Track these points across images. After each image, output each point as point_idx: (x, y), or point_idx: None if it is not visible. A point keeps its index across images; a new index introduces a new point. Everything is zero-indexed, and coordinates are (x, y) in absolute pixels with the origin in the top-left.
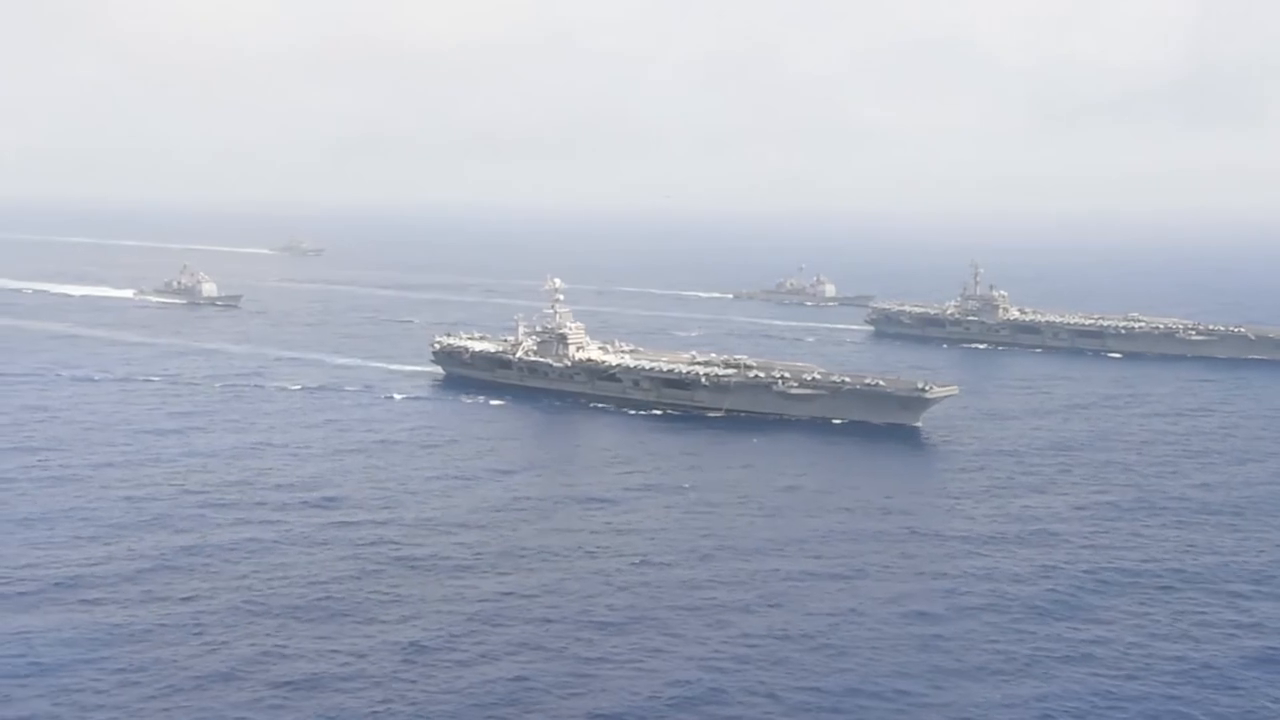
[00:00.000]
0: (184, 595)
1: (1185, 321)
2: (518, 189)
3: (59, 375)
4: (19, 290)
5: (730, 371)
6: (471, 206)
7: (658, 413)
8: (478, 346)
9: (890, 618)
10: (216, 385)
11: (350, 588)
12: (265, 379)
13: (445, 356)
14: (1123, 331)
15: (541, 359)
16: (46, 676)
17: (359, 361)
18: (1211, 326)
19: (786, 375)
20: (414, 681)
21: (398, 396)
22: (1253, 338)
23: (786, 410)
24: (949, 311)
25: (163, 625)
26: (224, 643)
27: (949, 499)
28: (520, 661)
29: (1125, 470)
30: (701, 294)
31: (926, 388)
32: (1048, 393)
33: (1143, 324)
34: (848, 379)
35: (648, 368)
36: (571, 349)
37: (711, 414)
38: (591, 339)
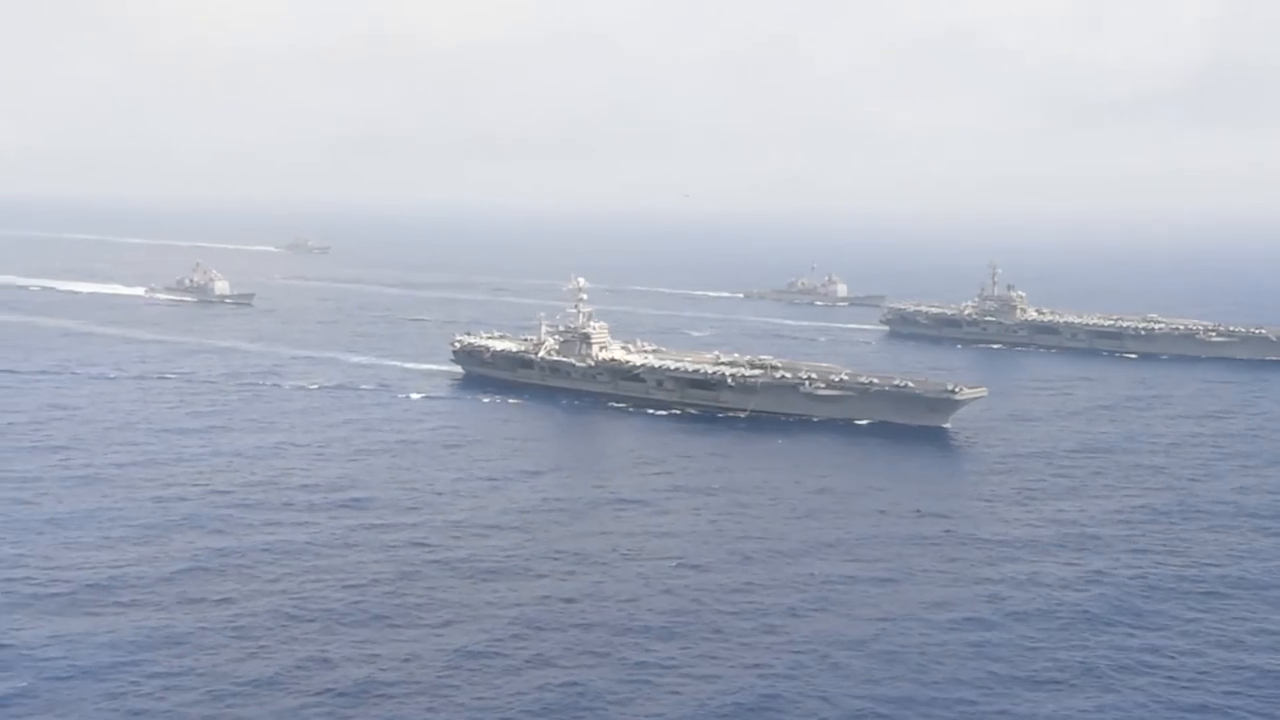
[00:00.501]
0: (220, 597)
1: (1205, 323)
2: (518, 189)
3: (75, 373)
4: (25, 287)
5: (756, 372)
6: (472, 206)
7: (679, 413)
8: (499, 346)
9: (938, 623)
10: (233, 384)
11: (388, 591)
12: (282, 377)
13: (465, 356)
14: (1142, 332)
15: (564, 359)
16: (89, 681)
17: (375, 360)
18: (1232, 328)
19: (813, 376)
20: (463, 688)
21: (417, 395)
22: (1273, 339)
23: (812, 411)
24: (966, 312)
25: (202, 629)
26: (264, 647)
27: (983, 501)
28: (568, 667)
29: (1157, 473)
30: (711, 293)
31: (956, 389)
32: (1069, 394)
33: (1162, 325)
34: (875, 380)
35: (672, 368)
36: (595, 349)
37: (736, 414)
38: (612, 339)
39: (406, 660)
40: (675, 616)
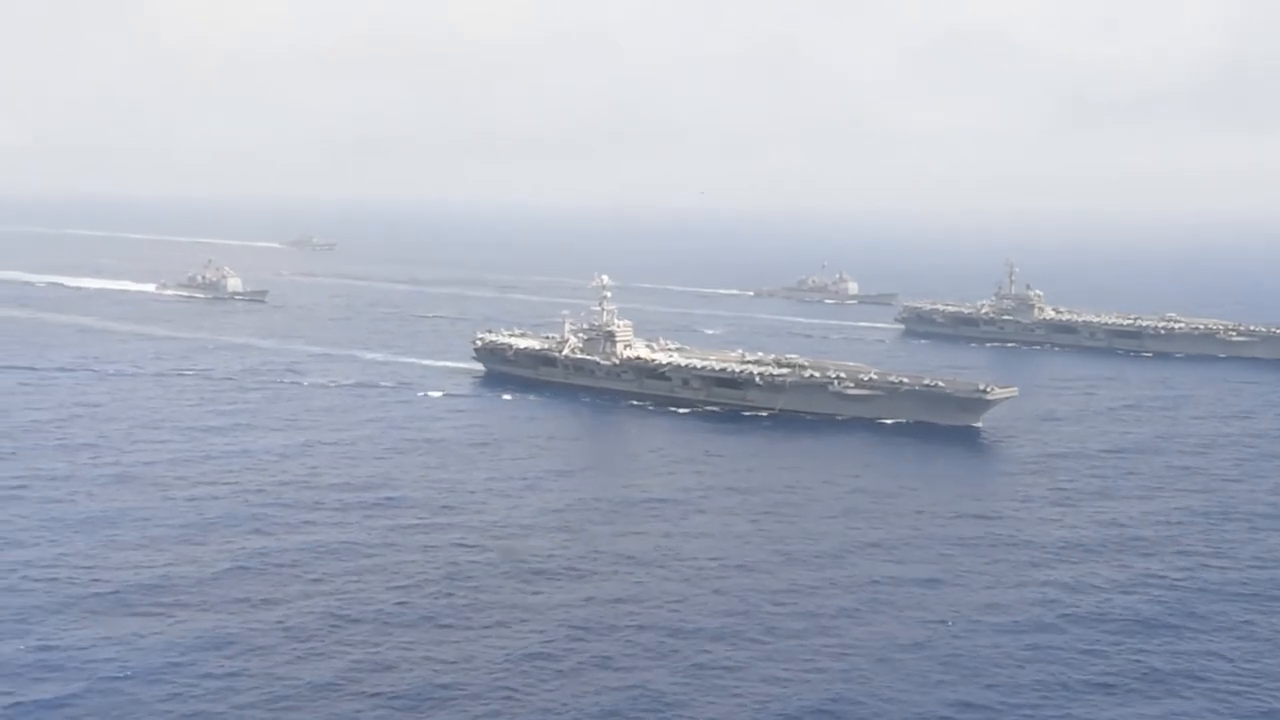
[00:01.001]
0: (264, 598)
1: (1225, 322)
2: (519, 187)
3: (93, 370)
4: (30, 283)
5: (784, 371)
6: (476, 204)
7: (703, 411)
8: (522, 344)
9: (991, 626)
10: (253, 381)
11: (434, 592)
12: (301, 375)
13: (487, 353)
14: (1161, 332)
15: (588, 356)
16: (142, 683)
17: (392, 357)
18: (1252, 327)
19: (842, 375)
20: (524, 690)
21: (438, 393)
22: None
23: (841, 411)
24: (983, 311)
25: (251, 630)
26: (316, 649)
27: (1021, 502)
28: (628, 669)
29: (1191, 474)
30: (721, 291)
31: (988, 389)
32: (1092, 393)
33: (1181, 324)
34: (905, 379)
35: (699, 366)
36: (619, 347)
37: (762, 414)
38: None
39: (463, 662)
40: (726, 617)
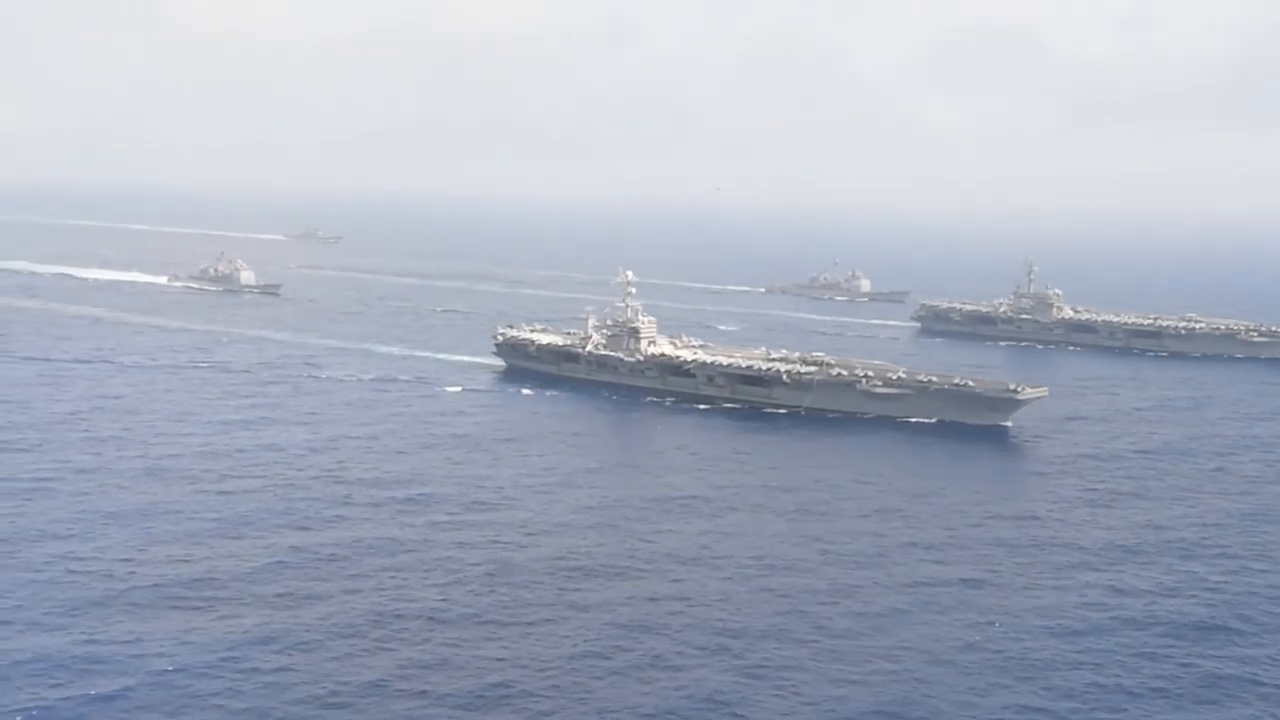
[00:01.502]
0: (305, 594)
1: (1245, 322)
2: (529, 182)
3: (110, 361)
4: (35, 273)
5: (812, 369)
6: (481, 198)
7: (728, 409)
8: (544, 339)
9: (1037, 629)
10: (272, 374)
11: (476, 591)
12: (318, 368)
13: (508, 349)
14: (1182, 332)
15: (611, 353)
16: (190, 679)
17: (408, 351)
18: (1274, 328)
19: (870, 374)
20: (577, 690)
21: (460, 388)
22: None
23: (869, 409)
24: (1001, 310)
25: (296, 627)
26: (364, 647)
27: (1056, 503)
28: (679, 669)
29: (1226, 476)
30: (732, 287)
31: (1018, 388)
32: (1116, 393)
33: (1202, 324)
34: (934, 378)
35: (725, 364)
36: (643, 343)
37: (789, 411)
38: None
39: (513, 661)
40: (774, 617)
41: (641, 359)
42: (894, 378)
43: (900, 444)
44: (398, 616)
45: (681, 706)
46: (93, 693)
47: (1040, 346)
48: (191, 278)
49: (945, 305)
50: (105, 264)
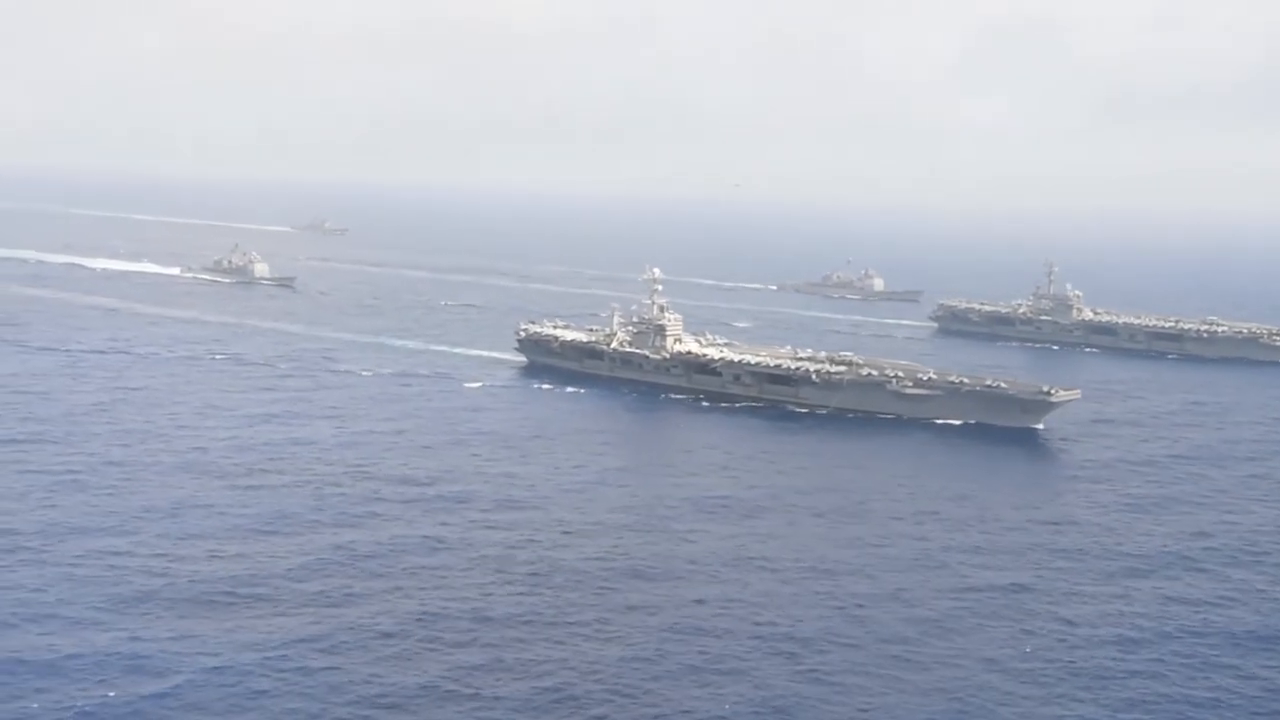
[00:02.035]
0: (346, 593)
1: (1269, 326)
2: (538, 176)
3: (128, 353)
4: (44, 262)
5: (841, 369)
6: (489, 191)
7: (754, 408)
8: (568, 336)
9: (1091, 640)
10: (292, 368)
11: (519, 591)
12: (338, 362)
13: (531, 345)
14: (1204, 335)
15: (637, 350)
16: (235, 678)
17: (424, 345)
18: None
19: (900, 374)
20: (633, 693)
21: (483, 384)
22: None
23: (898, 410)
24: (1021, 310)
25: (341, 626)
26: (410, 649)
27: (1093, 508)
28: (739, 673)
29: (1265, 481)
30: (744, 285)
31: (1051, 391)
32: (1141, 396)
33: (1224, 328)
34: (966, 379)
35: (752, 363)
36: (669, 341)
37: (816, 411)
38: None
39: (564, 664)
40: (825, 620)
41: (667, 356)
42: (924, 378)
43: (932, 445)
44: (442, 616)
45: (738, 713)
46: (143, 692)
47: (1059, 348)
48: (205, 269)
49: (963, 306)
50: (115, 254)
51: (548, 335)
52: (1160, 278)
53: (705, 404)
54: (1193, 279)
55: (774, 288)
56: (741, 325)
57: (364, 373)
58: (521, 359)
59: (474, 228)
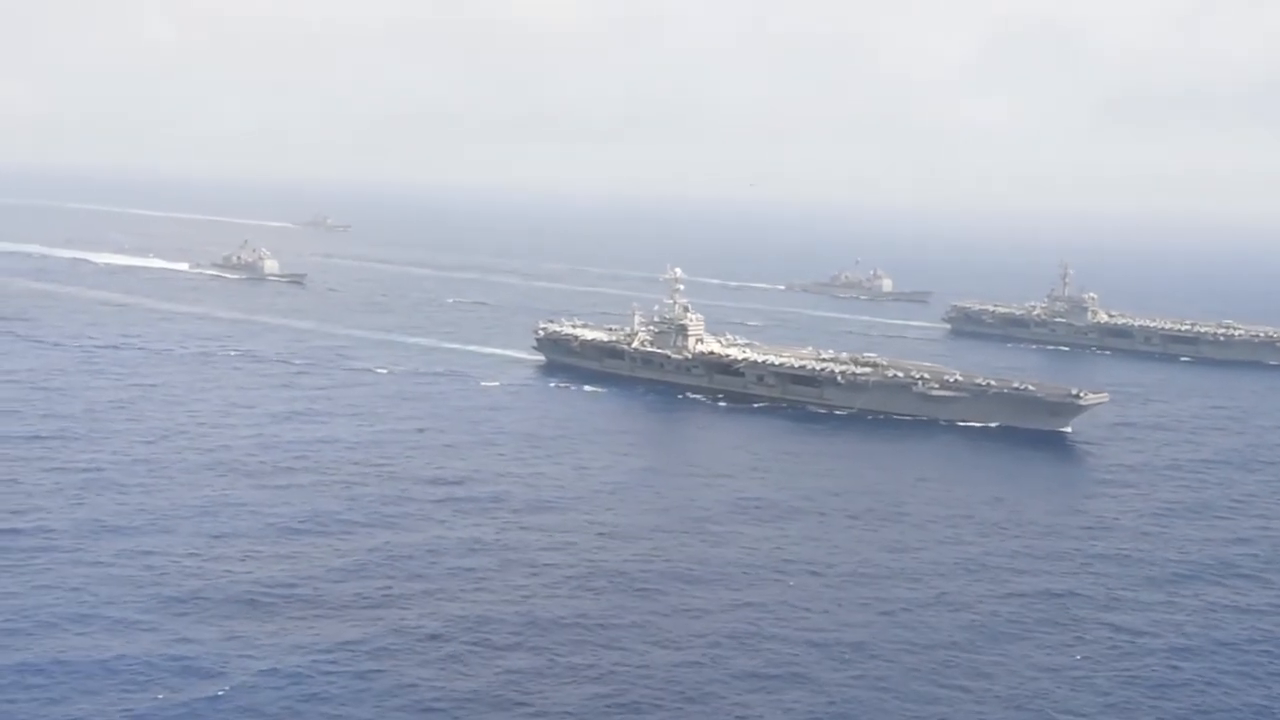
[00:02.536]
0: (388, 597)
1: None
2: (540, 175)
3: (142, 349)
4: (48, 257)
5: (866, 370)
6: (485, 189)
7: (777, 409)
8: (589, 335)
9: (1149, 648)
10: (308, 365)
11: (563, 595)
12: (355, 360)
13: (550, 344)
14: (1220, 338)
15: (658, 350)
16: (283, 682)
17: (437, 343)
18: None
19: (926, 376)
20: (694, 701)
21: (502, 383)
22: None
23: (924, 412)
24: (1035, 313)
25: (386, 631)
26: (457, 654)
27: (1126, 513)
28: (808, 680)
29: None
30: (752, 284)
31: (1080, 393)
32: (1162, 400)
33: (1240, 331)
34: (993, 382)
35: (776, 363)
36: (691, 341)
37: (834, 412)
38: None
39: (618, 670)
40: (876, 627)
41: (689, 357)
42: (950, 380)
43: (960, 448)
44: (487, 619)
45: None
46: (193, 695)
47: (1073, 350)
48: (214, 265)
49: (977, 307)
50: (119, 249)
51: (567, 335)
52: (1163, 279)
53: (724, 404)
54: (1197, 281)
55: (782, 287)
56: (752, 324)
57: (380, 370)
58: (538, 358)
59: (476, 225)
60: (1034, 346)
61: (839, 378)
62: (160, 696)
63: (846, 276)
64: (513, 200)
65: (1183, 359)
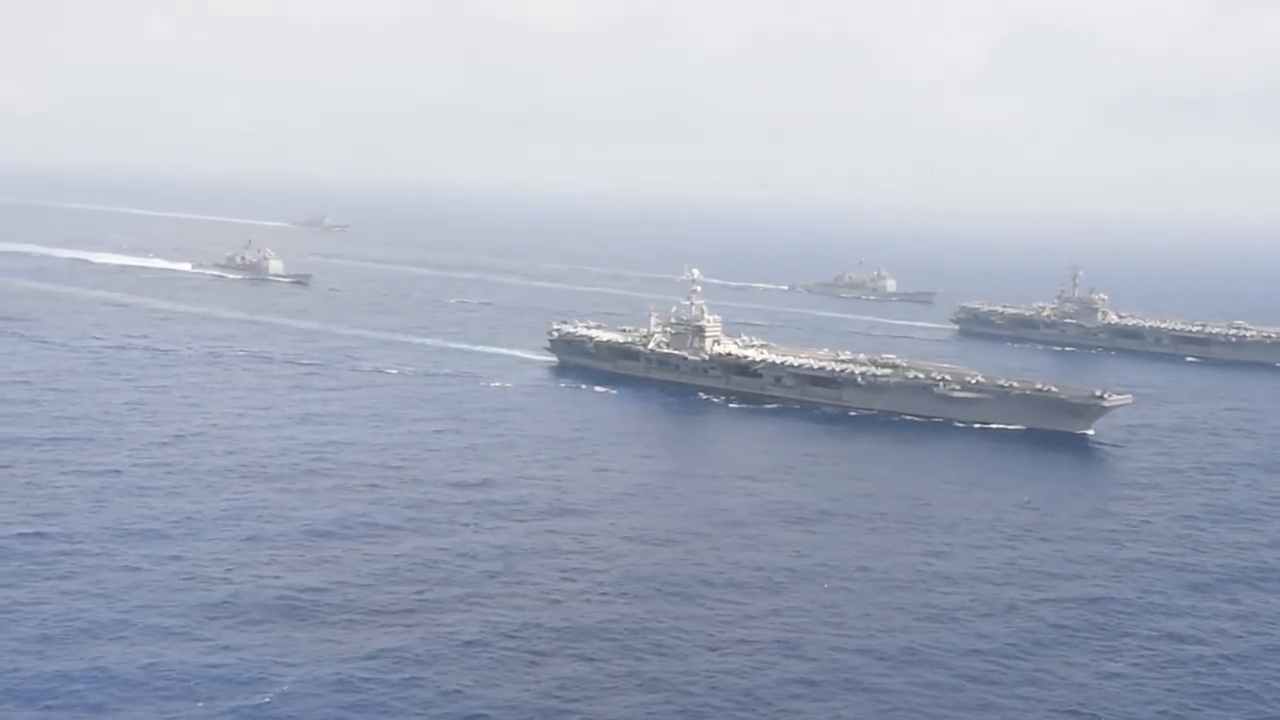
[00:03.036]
0: (424, 605)
1: None
2: (543, 174)
3: (151, 349)
4: (49, 257)
5: (887, 371)
6: (485, 188)
7: (795, 410)
8: (604, 336)
9: (1202, 657)
10: (313, 366)
11: (597, 599)
12: (366, 361)
13: (563, 345)
14: (1232, 339)
15: (675, 351)
16: (329, 692)
17: (444, 343)
18: None
19: (947, 377)
20: (761, 713)
21: (517, 384)
22: None
23: (944, 414)
24: (1045, 313)
25: (425, 639)
26: (497, 660)
27: (1164, 517)
28: (861, 690)
29: None
30: (755, 285)
31: (1104, 395)
32: (1178, 401)
33: (1251, 332)
34: (1015, 383)
35: (795, 364)
36: (708, 342)
37: (848, 412)
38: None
39: (675, 677)
40: (927, 633)
41: (706, 358)
42: (972, 381)
43: (984, 450)
44: (526, 626)
45: None
46: (233, 705)
47: (1083, 351)
48: (218, 265)
49: (986, 308)
50: (119, 249)
51: (581, 336)
52: (1168, 280)
53: (739, 405)
54: (1204, 282)
55: (784, 288)
56: (756, 324)
57: (390, 371)
58: (547, 358)
59: (475, 225)
60: (1041, 347)
61: (859, 379)
62: (198, 705)
63: (850, 277)
64: (512, 200)
65: (1189, 359)
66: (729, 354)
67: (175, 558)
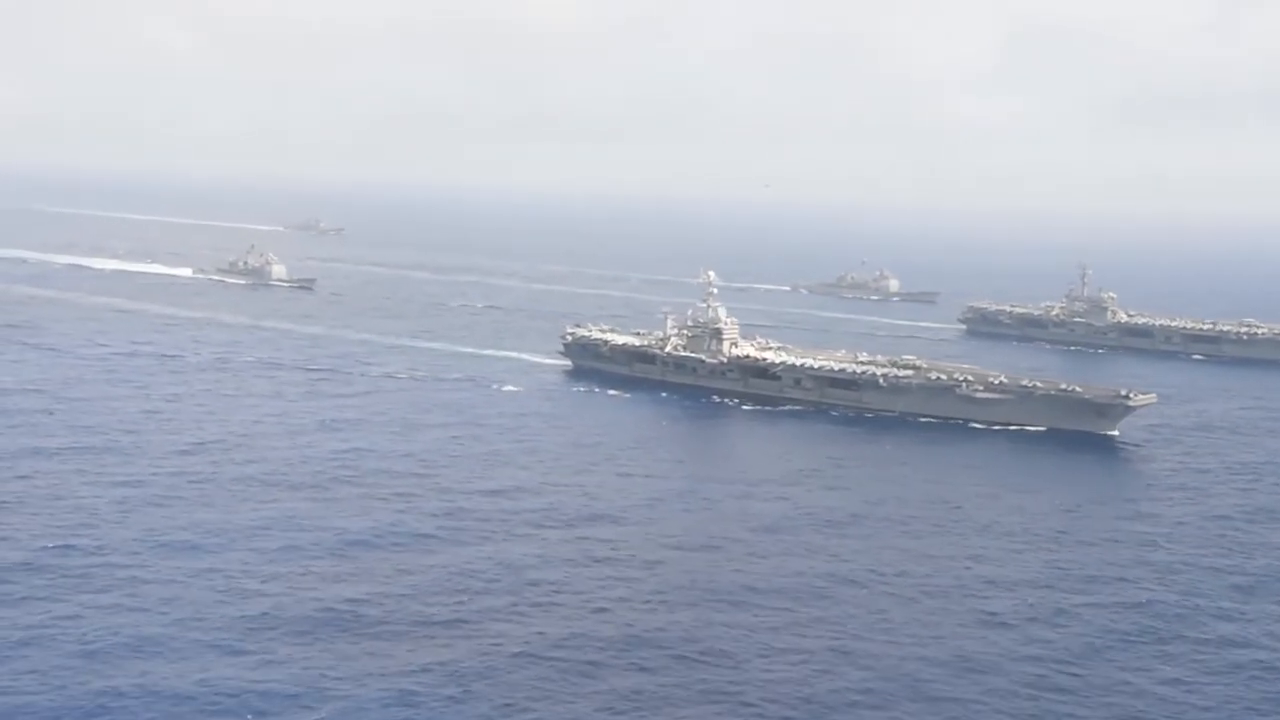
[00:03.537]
0: (465, 617)
1: None
2: (543, 174)
3: (160, 356)
4: (47, 262)
5: (908, 372)
6: (484, 189)
7: (815, 413)
8: (619, 340)
9: (1260, 663)
10: (324, 371)
11: (644, 608)
12: (370, 365)
13: (577, 349)
14: (1243, 337)
15: (692, 354)
16: (380, 710)
17: (451, 347)
18: None
19: (970, 378)
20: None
21: (523, 388)
22: None
23: (966, 415)
24: (1054, 313)
25: (473, 653)
26: (550, 676)
27: (1203, 519)
28: (924, 697)
29: None
30: (757, 285)
31: (1129, 394)
32: (1195, 400)
33: (1263, 330)
34: (1039, 383)
35: (814, 366)
36: (726, 345)
37: (865, 414)
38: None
39: (738, 692)
40: (980, 641)
41: (723, 361)
42: (995, 382)
43: (1008, 453)
44: (572, 636)
45: None
46: None
47: (1092, 350)
48: (220, 271)
49: (993, 308)
50: (116, 254)
51: (596, 339)
52: (1176, 279)
53: (753, 407)
54: (1213, 281)
55: (787, 288)
56: (760, 324)
57: (400, 375)
58: (558, 362)
59: (475, 226)
60: (1050, 346)
61: (880, 380)
62: None
63: (853, 277)
64: (511, 200)
65: (1196, 357)
66: (747, 356)
67: (210, 570)
